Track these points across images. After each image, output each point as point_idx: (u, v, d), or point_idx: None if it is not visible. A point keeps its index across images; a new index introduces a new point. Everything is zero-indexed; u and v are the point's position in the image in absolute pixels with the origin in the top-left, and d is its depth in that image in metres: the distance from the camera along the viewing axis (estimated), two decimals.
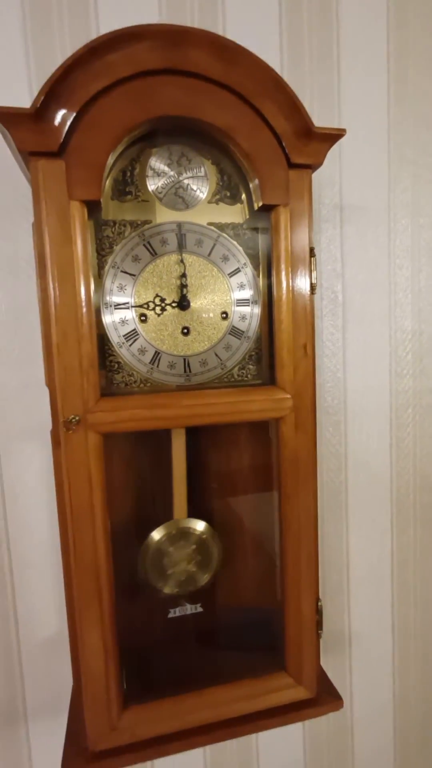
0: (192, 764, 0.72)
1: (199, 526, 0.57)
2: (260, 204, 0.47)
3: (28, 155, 0.42)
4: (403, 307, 0.72)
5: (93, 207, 0.44)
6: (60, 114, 0.42)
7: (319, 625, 0.54)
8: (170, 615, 0.61)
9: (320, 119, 0.66)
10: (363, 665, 0.77)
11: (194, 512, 0.56)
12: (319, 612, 0.54)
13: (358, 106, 0.68)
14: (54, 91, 0.41)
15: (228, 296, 0.51)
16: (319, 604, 0.54)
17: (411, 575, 0.77)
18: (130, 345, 0.49)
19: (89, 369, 0.45)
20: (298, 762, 0.77)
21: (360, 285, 0.70)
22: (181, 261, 0.49)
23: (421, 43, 0.69)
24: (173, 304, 0.49)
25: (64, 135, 0.42)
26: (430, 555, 0.78)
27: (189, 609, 0.61)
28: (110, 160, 0.44)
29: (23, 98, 0.57)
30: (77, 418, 0.45)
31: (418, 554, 0.77)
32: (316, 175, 0.66)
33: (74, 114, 0.42)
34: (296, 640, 0.53)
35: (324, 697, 0.55)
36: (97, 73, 0.42)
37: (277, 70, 0.64)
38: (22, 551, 0.62)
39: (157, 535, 0.56)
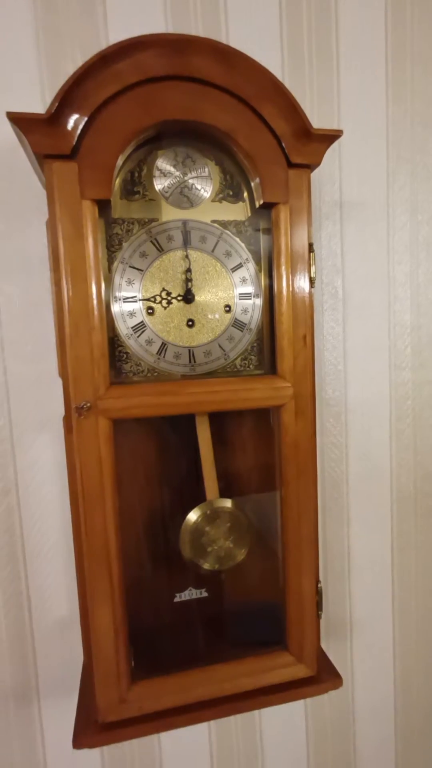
0: (197, 747, 0.74)
1: (229, 504, 0.60)
2: (261, 202, 0.50)
3: (43, 158, 0.45)
4: (402, 302, 0.74)
5: (103, 206, 0.47)
6: (72, 119, 0.44)
7: (318, 606, 0.56)
8: (176, 599, 0.63)
9: (320, 120, 0.69)
10: (365, 652, 0.79)
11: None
12: (318, 593, 0.56)
13: (356, 106, 0.70)
14: (67, 98, 0.43)
15: (231, 290, 0.53)
16: (319, 586, 0.56)
17: (412, 564, 0.79)
18: (138, 336, 0.51)
19: (100, 358, 0.47)
20: (300, 746, 0.79)
21: (360, 280, 0.72)
22: (186, 257, 0.52)
23: (418, 46, 0.71)
24: (179, 298, 0.52)
25: (76, 138, 0.45)
26: (430, 543, 0.80)
27: (194, 594, 0.64)
28: (119, 162, 0.46)
29: (35, 104, 0.60)
30: (88, 404, 0.47)
31: (419, 543, 0.79)
32: (317, 173, 0.68)
33: (85, 119, 0.44)
34: (297, 620, 0.55)
35: (324, 675, 0.57)
36: (107, 80, 0.45)
37: (278, 72, 0.67)
38: (34, 537, 0.65)
39: (193, 516, 0.58)
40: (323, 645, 0.58)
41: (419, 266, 0.75)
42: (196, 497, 0.58)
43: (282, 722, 0.78)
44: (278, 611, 0.57)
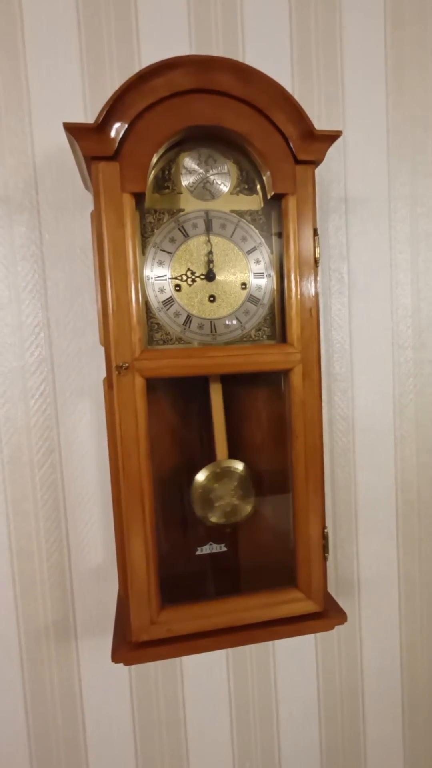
0: (215, 686, 0.81)
1: (239, 465, 0.67)
2: (272, 193, 0.58)
3: (91, 159, 0.54)
4: (403, 287, 0.82)
5: (139, 198, 0.56)
6: (115, 127, 0.54)
7: (325, 548, 0.64)
8: (198, 552, 0.71)
9: (328, 123, 0.77)
10: (372, 611, 0.85)
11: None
12: (325, 537, 0.63)
13: (360, 112, 0.78)
14: (111, 110, 0.53)
15: (246, 270, 0.62)
16: (326, 530, 0.64)
17: (415, 530, 0.85)
18: (167, 310, 0.60)
19: (136, 326, 0.56)
20: (312, 698, 0.85)
21: (364, 267, 0.80)
22: (208, 241, 0.60)
23: (415, 58, 0.79)
24: (202, 277, 0.61)
25: (118, 143, 0.54)
26: None
27: (214, 548, 0.72)
28: (153, 161, 0.56)
29: (79, 114, 0.70)
30: (126, 364, 0.56)
31: (422, 510, 0.85)
32: (325, 173, 0.77)
33: (126, 126, 0.54)
34: (305, 560, 0.63)
35: (331, 612, 0.64)
36: (144, 94, 0.54)
37: (289, 83, 0.76)
38: (74, 491, 0.74)
39: (202, 474, 0.66)
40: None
41: (419, 255, 0.82)
42: (210, 457, 0.66)
43: (294, 673, 0.84)
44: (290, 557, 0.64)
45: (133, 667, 0.77)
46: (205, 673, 0.80)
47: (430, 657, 0.89)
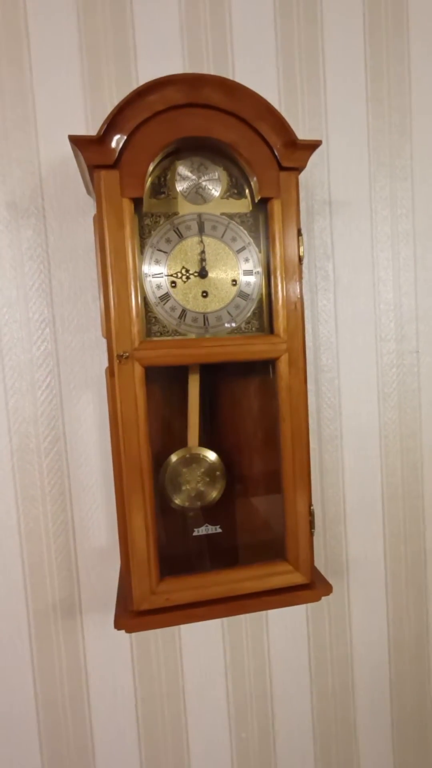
0: (212, 654, 0.86)
1: (209, 455, 0.73)
2: (259, 197, 0.64)
3: (93, 168, 0.60)
4: (385, 283, 0.87)
5: (137, 203, 0.62)
6: (115, 138, 0.59)
7: (311, 524, 0.69)
8: (194, 533, 0.77)
9: (311, 132, 0.83)
10: (360, 588, 0.90)
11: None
12: (311, 514, 0.69)
13: (342, 120, 0.84)
14: (112, 123, 0.58)
15: (236, 268, 0.67)
16: (312, 508, 0.69)
17: (399, 512, 0.91)
18: (164, 304, 0.66)
19: (135, 319, 0.61)
20: (304, 670, 0.90)
21: (347, 265, 0.86)
22: (201, 242, 0.66)
23: (393, 70, 0.85)
24: (195, 274, 0.66)
25: (117, 153, 0.59)
26: (416, 493, 0.91)
27: (210, 529, 0.77)
28: (150, 169, 0.61)
29: (80, 127, 0.76)
30: (127, 354, 0.62)
31: (405, 493, 0.91)
32: (310, 178, 0.83)
33: (125, 138, 0.59)
34: (293, 535, 0.68)
35: (317, 584, 0.69)
36: (141, 109, 0.60)
37: (276, 95, 0.81)
38: (78, 477, 0.79)
39: (174, 457, 0.72)
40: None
41: (400, 253, 0.88)
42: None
43: (287, 642, 0.88)
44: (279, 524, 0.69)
45: (134, 640, 0.82)
46: (202, 643, 0.85)
47: (416, 631, 0.94)
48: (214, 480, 0.74)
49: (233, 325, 0.67)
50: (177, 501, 0.73)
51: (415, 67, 0.86)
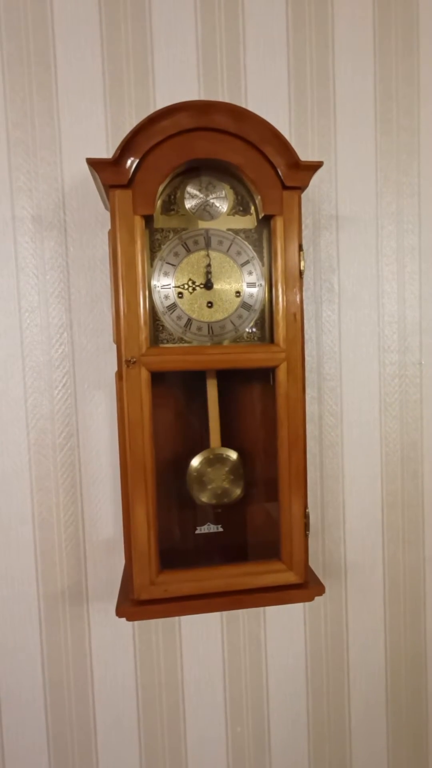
0: (211, 650, 0.90)
1: (231, 453, 0.77)
2: (263, 215, 0.68)
3: (109, 187, 0.65)
4: (389, 296, 0.90)
5: (148, 219, 0.67)
6: (129, 161, 0.64)
7: (306, 526, 0.72)
8: (198, 531, 0.81)
9: (320, 149, 0.87)
10: (357, 592, 0.92)
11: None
12: (306, 516, 0.72)
13: (350, 141, 0.87)
14: (126, 147, 0.64)
15: (240, 280, 0.71)
16: (307, 510, 0.72)
17: (399, 519, 0.92)
18: (171, 313, 0.70)
19: (143, 327, 0.66)
20: (300, 670, 0.92)
21: (352, 278, 0.89)
22: (207, 255, 0.70)
23: (401, 92, 0.88)
24: (201, 286, 0.70)
25: (131, 174, 0.64)
26: (415, 502, 0.92)
27: (212, 528, 0.81)
28: (160, 189, 0.66)
29: (101, 147, 0.82)
30: (134, 359, 0.66)
31: (405, 501, 0.92)
32: (317, 194, 0.86)
33: (138, 160, 0.64)
34: (288, 535, 0.71)
35: (310, 584, 0.72)
36: (153, 133, 0.65)
37: (286, 118, 0.85)
38: (89, 471, 0.84)
39: (197, 459, 0.76)
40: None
41: (405, 267, 0.90)
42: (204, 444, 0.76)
43: (283, 644, 0.91)
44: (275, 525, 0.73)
45: (137, 630, 0.86)
46: (201, 637, 0.88)
47: (412, 637, 0.95)
48: (238, 478, 0.77)
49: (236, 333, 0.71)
50: (203, 498, 0.76)
51: (425, 88, 0.89)
